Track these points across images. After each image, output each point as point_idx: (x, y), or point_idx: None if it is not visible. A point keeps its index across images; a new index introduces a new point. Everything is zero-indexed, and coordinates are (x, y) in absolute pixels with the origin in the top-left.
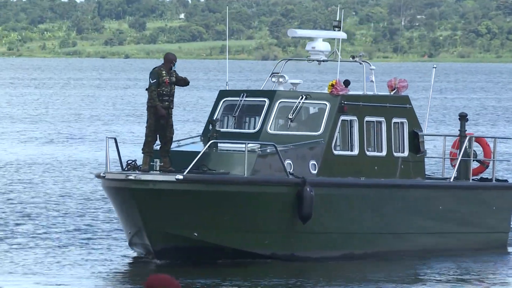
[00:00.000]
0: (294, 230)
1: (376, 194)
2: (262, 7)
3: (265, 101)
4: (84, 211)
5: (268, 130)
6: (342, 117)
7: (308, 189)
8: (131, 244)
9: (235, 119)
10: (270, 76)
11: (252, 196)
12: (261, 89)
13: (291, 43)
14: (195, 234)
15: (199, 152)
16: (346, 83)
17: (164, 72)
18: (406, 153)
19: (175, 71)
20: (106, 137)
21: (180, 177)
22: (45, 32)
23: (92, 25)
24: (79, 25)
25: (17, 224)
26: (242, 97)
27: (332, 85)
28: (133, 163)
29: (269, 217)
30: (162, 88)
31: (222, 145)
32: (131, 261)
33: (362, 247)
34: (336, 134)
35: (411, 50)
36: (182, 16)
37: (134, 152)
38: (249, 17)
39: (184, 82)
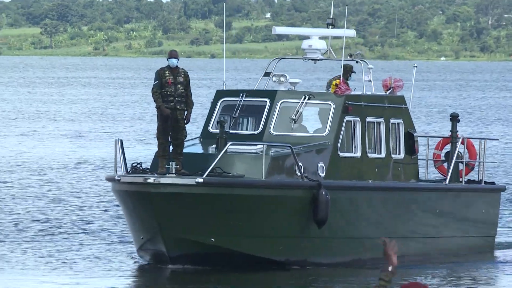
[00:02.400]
0: (308, 235)
1: (395, 197)
2: (349, 6)
3: (266, 101)
4: (97, 215)
5: (271, 131)
6: (346, 118)
7: (323, 192)
8: (141, 250)
9: (235, 120)
10: (263, 75)
11: (271, 200)
12: (255, 88)
13: (378, 42)
14: (212, 239)
15: (203, 153)
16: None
17: (167, 72)
18: (402, 155)
19: (184, 71)
20: (115, 139)
21: (200, 180)
22: (131, 32)
23: (178, 25)
24: (165, 24)
25: (27, 226)
26: (242, 97)
27: (336, 85)
28: (138, 165)
29: (284, 222)
30: (166, 89)
31: (231, 147)
32: (140, 269)
33: (379, 252)
34: (342, 135)
35: (498, 49)
36: (268, 15)
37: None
38: (335, 17)
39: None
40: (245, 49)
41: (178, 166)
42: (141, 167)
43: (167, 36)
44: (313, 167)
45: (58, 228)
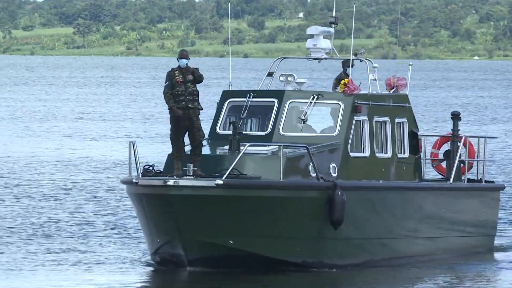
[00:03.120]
0: (324, 236)
1: (410, 197)
2: (382, 5)
3: (274, 101)
4: (111, 217)
5: (281, 131)
6: (356, 118)
7: (339, 193)
8: (157, 254)
9: (243, 120)
10: (266, 75)
11: (289, 201)
12: (258, 89)
13: (411, 42)
14: (231, 242)
15: (216, 155)
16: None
17: (177, 72)
18: (406, 154)
19: (196, 69)
20: (129, 141)
21: (220, 182)
22: (164, 32)
23: (211, 24)
24: (198, 24)
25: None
26: (249, 97)
27: (345, 84)
28: (150, 168)
29: (301, 223)
30: (176, 88)
31: (251, 148)
32: (154, 271)
33: (397, 252)
34: (351, 135)
35: None
36: (301, 15)
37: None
38: (368, 16)
39: (198, 79)
40: (278, 48)
41: (195, 168)
42: (153, 170)
43: (199, 36)
44: (325, 167)
45: (69, 229)
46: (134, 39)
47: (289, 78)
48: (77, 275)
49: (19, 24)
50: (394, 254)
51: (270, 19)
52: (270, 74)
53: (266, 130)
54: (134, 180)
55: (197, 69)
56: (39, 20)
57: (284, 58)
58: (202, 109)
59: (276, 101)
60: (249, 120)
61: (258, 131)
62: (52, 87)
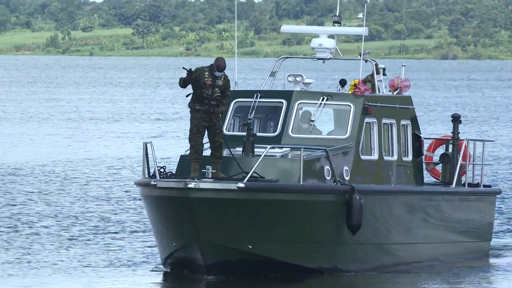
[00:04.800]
0: (341, 241)
1: (426, 201)
2: (441, 6)
3: (282, 102)
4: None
5: (290, 133)
6: (366, 119)
7: (357, 197)
8: (171, 259)
9: (248, 121)
10: (268, 75)
11: (309, 205)
12: (261, 89)
13: (471, 42)
14: (250, 246)
15: (230, 157)
16: (343, 82)
17: (207, 73)
18: (410, 157)
19: (224, 75)
20: (144, 142)
21: (242, 185)
22: (223, 32)
23: (270, 25)
24: (257, 25)
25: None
26: (256, 98)
27: (355, 85)
28: (161, 169)
29: (319, 227)
30: (203, 91)
31: (258, 150)
32: (167, 277)
33: (416, 257)
34: (362, 137)
35: None
36: (360, 15)
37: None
38: (428, 16)
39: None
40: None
41: (214, 170)
42: (164, 171)
43: (259, 37)
44: (339, 170)
45: (80, 230)
46: (193, 40)
47: (298, 79)
48: (88, 277)
49: (78, 25)
50: (405, 260)
51: (329, 19)
52: (272, 74)
53: (274, 131)
54: (152, 182)
55: (227, 75)
56: (98, 21)
57: (287, 57)
58: (222, 112)
59: (285, 102)
60: (256, 121)
61: (265, 132)
62: (120, 87)
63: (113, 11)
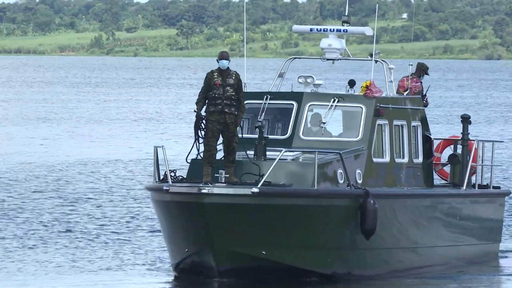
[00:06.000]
0: (355, 246)
1: (440, 204)
2: (486, 6)
3: (292, 104)
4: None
5: (301, 135)
6: (378, 121)
7: (371, 201)
8: (182, 264)
9: (259, 123)
10: (277, 76)
11: (324, 210)
12: (269, 90)
13: None
14: (263, 252)
15: (241, 160)
16: (352, 83)
17: (215, 74)
18: (420, 159)
19: (235, 73)
20: (154, 146)
21: (256, 190)
22: (267, 33)
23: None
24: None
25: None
26: (266, 100)
27: (366, 87)
28: (171, 173)
29: (333, 233)
30: (214, 91)
31: (270, 153)
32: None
33: (428, 261)
34: (374, 139)
35: None
36: (404, 15)
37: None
38: (472, 17)
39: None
40: (382, 49)
41: (228, 175)
42: (175, 175)
43: (303, 37)
44: (351, 174)
45: (90, 232)
46: (237, 41)
47: (308, 80)
48: (97, 280)
49: (123, 25)
50: (418, 264)
51: (373, 20)
52: (280, 75)
53: (283, 133)
54: (165, 187)
55: (238, 73)
56: (143, 22)
57: (296, 58)
58: (238, 115)
59: (295, 104)
60: (271, 123)
61: (274, 134)
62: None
63: (157, 12)
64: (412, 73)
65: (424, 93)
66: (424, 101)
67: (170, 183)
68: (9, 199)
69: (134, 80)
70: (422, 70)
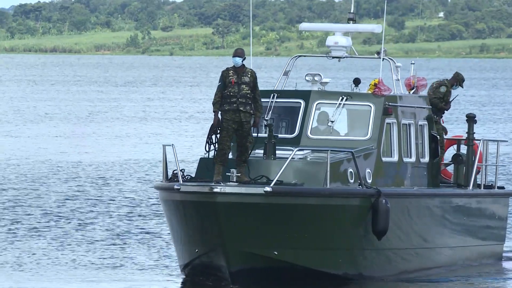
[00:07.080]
0: (366, 246)
1: (452, 204)
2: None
3: (300, 102)
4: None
5: (309, 134)
6: (386, 120)
7: (384, 201)
8: (190, 265)
9: (266, 122)
10: (282, 74)
11: (337, 209)
12: (274, 88)
13: None
14: (275, 253)
15: (251, 159)
16: (357, 81)
17: (231, 72)
18: (427, 159)
19: (251, 71)
20: (163, 145)
21: (268, 189)
22: (303, 32)
23: None
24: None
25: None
26: (273, 98)
27: (375, 85)
28: (180, 172)
29: (345, 233)
30: (229, 89)
31: (280, 152)
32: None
33: (437, 262)
34: (383, 138)
35: None
36: (441, 14)
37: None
38: (509, 15)
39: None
40: (418, 48)
41: (239, 174)
42: (183, 174)
43: None
44: (362, 173)
45: (97, 232)
46: (273, 40)
47: (316, 78)
48: (102, 280)
49: (158, 24)
50: (427, 265)
51: (410, 18)
52: (286, 73)
53: (290, 132)
54: (176, 187)
55: (254, 71)
56: (178, 21)
57: (301, 56)
58: (253, 114)
59: (303, 102)
60: (278, 122)
61: (279, 132)
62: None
63: (193, 11)
64: (446, 79)
65: (450, 100)
66: (445, 105)
67: (181, 182)
68: (25, 196)
69: (187, 79)
70: (457, 80)
